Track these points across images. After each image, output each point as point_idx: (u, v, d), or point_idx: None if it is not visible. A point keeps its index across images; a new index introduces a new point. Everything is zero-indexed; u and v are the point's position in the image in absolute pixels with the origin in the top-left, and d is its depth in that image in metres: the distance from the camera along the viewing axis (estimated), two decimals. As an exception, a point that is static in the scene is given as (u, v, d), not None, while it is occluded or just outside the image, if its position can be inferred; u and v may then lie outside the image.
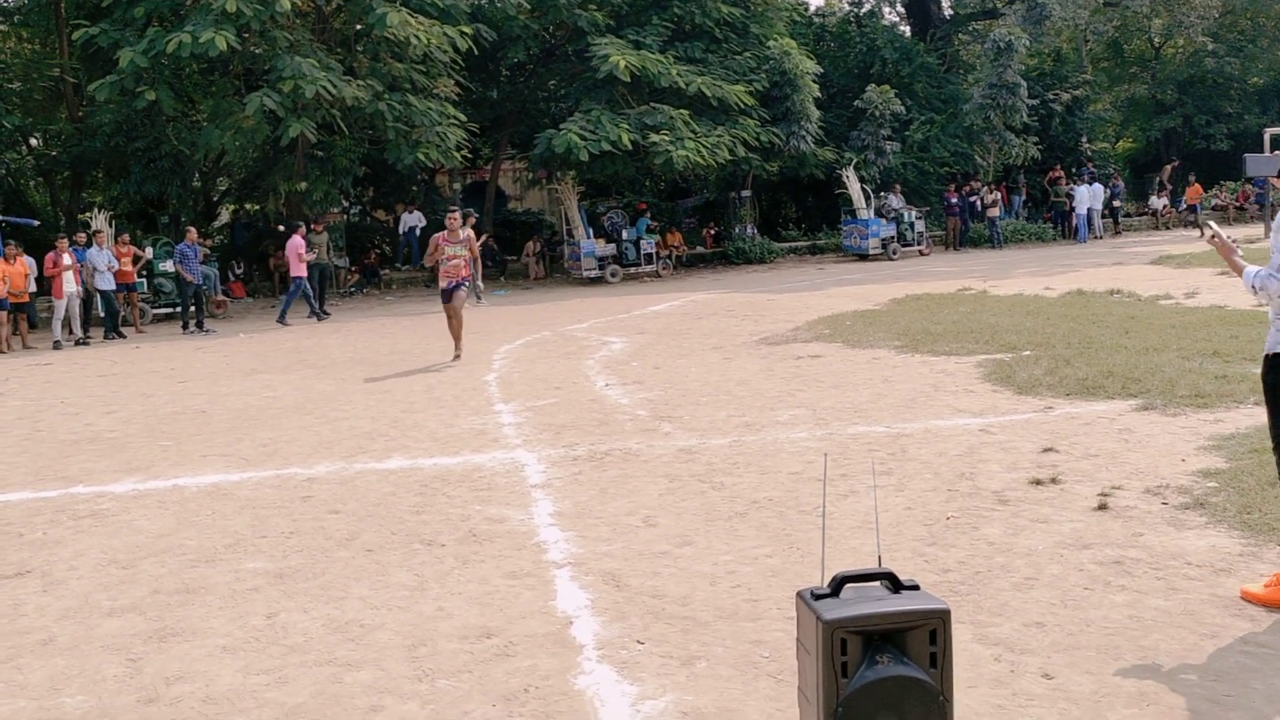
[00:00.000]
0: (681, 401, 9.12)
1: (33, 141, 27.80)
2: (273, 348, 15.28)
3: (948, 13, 38.02)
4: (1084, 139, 34.94)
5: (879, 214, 27.73)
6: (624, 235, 25.67)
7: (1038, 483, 5.94)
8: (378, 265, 26.39)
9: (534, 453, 7.51)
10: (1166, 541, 4.90)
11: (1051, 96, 33.05)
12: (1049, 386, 8.56)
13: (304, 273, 19.42)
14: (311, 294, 19.59)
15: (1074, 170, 32.39)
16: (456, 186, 29.49)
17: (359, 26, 22.66)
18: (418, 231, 27.42)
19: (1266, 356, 4.37)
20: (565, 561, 5.16)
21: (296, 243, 19.44)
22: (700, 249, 29.40)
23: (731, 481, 6.43)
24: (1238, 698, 3.47)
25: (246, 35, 20.04)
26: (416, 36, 21.03)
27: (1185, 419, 7.21)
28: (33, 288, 18.20)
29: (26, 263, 17.81)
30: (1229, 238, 4.45)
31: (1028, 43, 30.81)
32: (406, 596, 4.81)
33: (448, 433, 8.36)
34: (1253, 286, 4.25)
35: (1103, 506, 5.44)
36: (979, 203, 29.49)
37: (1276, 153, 4.70)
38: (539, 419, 8.72)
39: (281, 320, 18.92)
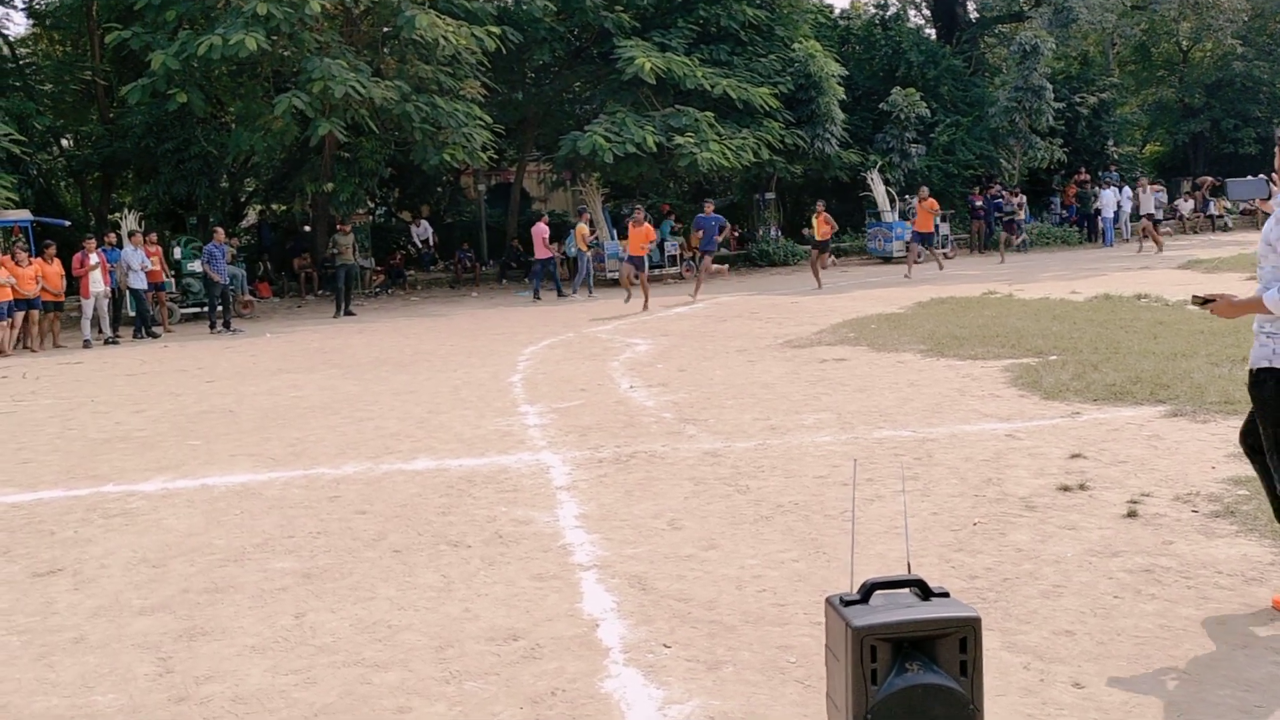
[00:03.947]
0: (706, 404, 9.12)
1: (64, 142, 28.15)
2: (299, 348, 15.39)
3: (973, 15, 37.91)
4: (1111, 142, 34.74)
5: (903, 217, 27.67)
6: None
7: (1066, 489, 5.90)
8: (402, 266, 26.54)
9: (559, 454, 7.53)
10: (1197, 550, 4.86)
11: (1078, 99, 32.87)
12: (1076, 392, 8.51)
13: (548, 254, 22.36)
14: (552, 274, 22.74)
15: (1100, 174, 32.20)
16: (481, 188, 29.65)
17: (387, 29, 22.78)
18: (431, 243, 27.74)
19: (1253, 371, 4.25)
20: (591, 564, 5.18)
21: (540, 229, 22.59)
22: (724, 251, 29.35)
23: (757, 485, 6.43)
24: (1269, 708, 3.45)
25: (276, 37, 20.18)
26: (445, 37, 21.12)
27: (1215, 425, 7.16)
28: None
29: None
30: (1218, 295, 4.37)
31: (1054, 45, 30.66)
32: (434, 597, 4.83)
33: (474, 434, 8.39)
34: None
35: (1132, 514, 5.41)
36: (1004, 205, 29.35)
37: (1260, 176, 4.68)
38: (564, 421, 8.74)
39: (558, 291, 22.56)
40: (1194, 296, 4.43)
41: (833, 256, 25.01)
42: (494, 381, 11.08)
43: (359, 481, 7.04)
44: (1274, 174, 4.46)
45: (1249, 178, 4.73)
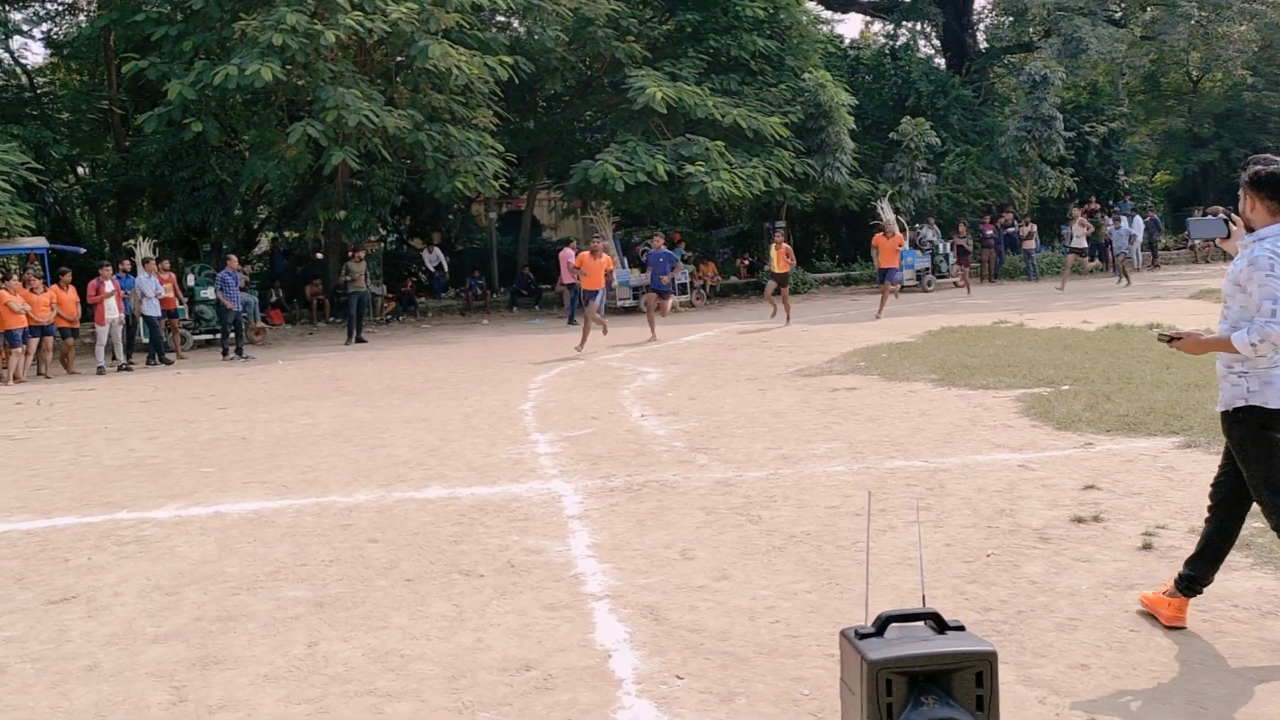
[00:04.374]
0: (717, 433, 9.12)
1: (80, 170, 28.40)
2: (310, 375, 15.43)
3: (983, 46, 38.07)
4: (1121, 172, 34.78)
5: (914, 246, 27.71)
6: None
7: (1080, 521, 5.89)
8: (414, 293, 26.64)
9: (571, 483, 7.53)
10: (1212, 584, 4.83)
11: (1088, 129, 32.94)
12: (1089, 422, 8.49)
13: (573, 279, 22.28)
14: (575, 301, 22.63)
15: (1110, 203, 32.22)
16: (493, 216, 29.79)
17: (400, 58, 22.99)
18: (445, 269, 27.90)
19: (1226, 412, 4.30)
20: (603, 594, 5.17)
21: (568, 254, 23.33)
22: (734, 279, 29.45)
23: (769, 515, 6.42)
24: (1288, 744, 3.43)
25: (291, 67, 20.37)
26: (458, 67, 21.30)
27: (1229, 457, 7.12)
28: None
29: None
30: (1185, 333, 4.44)
31: (1063, 76, 30.75)
32: (446, 627, 4.83)
33: (485, 462, 8.40)
34: (1253, 345, 4.06)
35: (1147, 546, 5.39)
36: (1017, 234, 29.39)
37: (1220, 215, 4.78)
38: (575, 449, 8.74)
39: (571, 320, 22.09)
40: (1159, 334, 4.52)
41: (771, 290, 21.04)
42: (505, 409, 11.10)
43: (371, 509, 7.05)
44: (1235, 214, 4.54)
45: (1208, 216, 4.85)
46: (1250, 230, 4.27)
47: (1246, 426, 4.21)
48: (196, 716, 4.03)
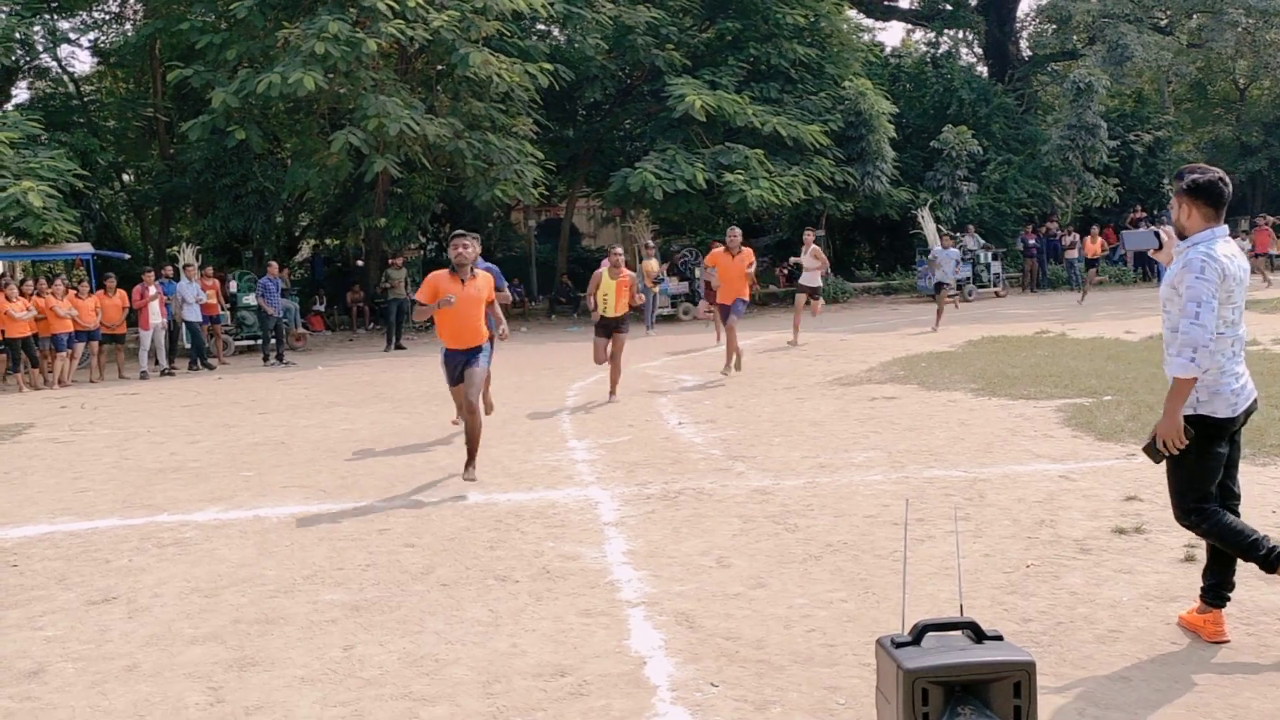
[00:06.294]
0: (755, 441, 9.08)
1: (125, 177, 28.82)
2: (350, 381, 15.55)
3: (1026, 54, 37.76)
4: (1166, 181, 34.33)
5: (954, 255, 27.50)
6: (697, 273, 25.76)
7: (1121, 532, 5.80)
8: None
9: (607, 490, 7.53)
10: (1257, 596, 4.75)
11: (1133, 137, 32.57)
12: (1131, 433, 8.38)
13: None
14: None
15: (1157, 213, 31.80)
16: (532, 224, 29.91)
17: (441, 67, 23.16)
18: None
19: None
20: (639, 601, 5.16)
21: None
22: (773, 288, 29.35)
23: (806, 524, 6.38)
24: (1336, 762, 3.35)
25: (333, 76, 20.57)
26: (498, 75, 21.42)
27: (1275, 469, 7.01)
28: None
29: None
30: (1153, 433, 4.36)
31: (1108, 84, 30.42)
32: (481, 632, 4.84)
33: (521, 468, 8.42)
34: (1190, 361, 4.16)
35: (1189, 558, 5.30)
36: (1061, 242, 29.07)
37: (1152, 227, 4.80)
38: (612, 456, 8.74)
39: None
40: (1145, 450, 4.40)
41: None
42: (542, 416, 11.11)
43: (408, 515, 7.08)
44: (1164, 225, 4.67)
45: (1140, 229, 4.91)
46: (1183, 237, 4.36)
47: (1190, 435, 4.28)
48: (233, 718, 4.06)
